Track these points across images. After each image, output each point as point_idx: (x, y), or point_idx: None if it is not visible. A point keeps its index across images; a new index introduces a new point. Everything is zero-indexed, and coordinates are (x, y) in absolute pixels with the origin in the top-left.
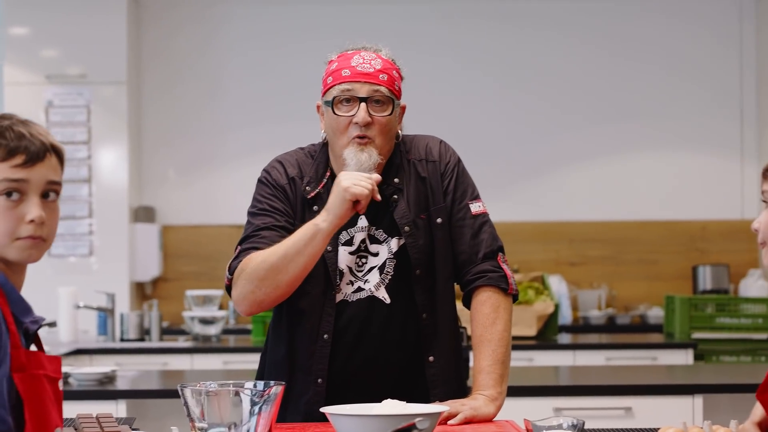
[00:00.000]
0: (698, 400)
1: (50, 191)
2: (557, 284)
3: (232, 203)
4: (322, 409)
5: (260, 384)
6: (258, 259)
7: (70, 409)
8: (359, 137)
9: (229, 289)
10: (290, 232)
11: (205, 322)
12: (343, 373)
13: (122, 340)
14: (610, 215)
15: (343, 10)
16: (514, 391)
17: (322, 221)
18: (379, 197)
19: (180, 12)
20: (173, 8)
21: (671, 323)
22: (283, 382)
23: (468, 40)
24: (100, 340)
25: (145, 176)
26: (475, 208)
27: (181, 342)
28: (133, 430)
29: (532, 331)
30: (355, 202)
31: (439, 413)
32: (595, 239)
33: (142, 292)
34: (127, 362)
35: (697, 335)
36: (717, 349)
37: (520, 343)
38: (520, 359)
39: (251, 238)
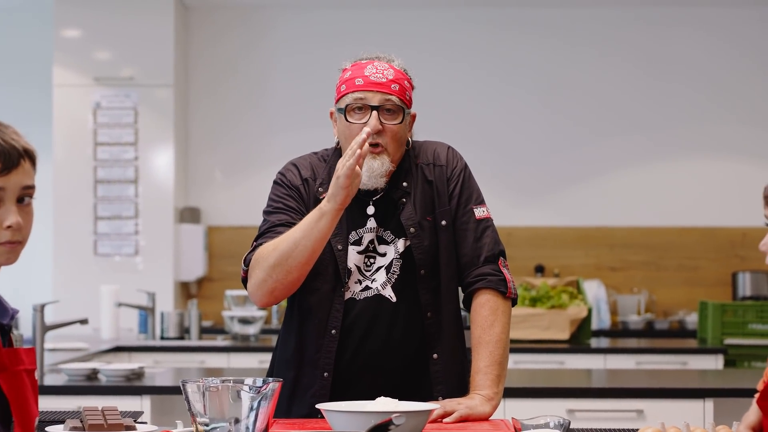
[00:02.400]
0: (709, 404)
1: (25, 196)
2: (596, 289)
3: None
4: (318, 406)
5: (259, 381)
6: (269, 248)
7: (96, 404)
8: (372, 144)
9: (245, 281)
10: None
11: (244, 321)
12: (349, 368)
13: (162, 338)
14: (651, 221)
15: (387, 16)
16: (530, 393)
17: (325, 204)
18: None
19: (226, 16)
20: (219, 12)
21: (705, 329)
22: (281, 379)
23: (511, 50)
24: (141, 338)
25: (191, 177)
26: (479, 212)
27: (219, 341)
28: (139, 423)
29: (565, 335)
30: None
31: (428, 411)
32: (636, 244)
33: (186, 291)
34: (165, 360)
35: (730, 341)
36: (749, 354)
37: (552, 347)
38: (551, 362)
39: (267, 233)
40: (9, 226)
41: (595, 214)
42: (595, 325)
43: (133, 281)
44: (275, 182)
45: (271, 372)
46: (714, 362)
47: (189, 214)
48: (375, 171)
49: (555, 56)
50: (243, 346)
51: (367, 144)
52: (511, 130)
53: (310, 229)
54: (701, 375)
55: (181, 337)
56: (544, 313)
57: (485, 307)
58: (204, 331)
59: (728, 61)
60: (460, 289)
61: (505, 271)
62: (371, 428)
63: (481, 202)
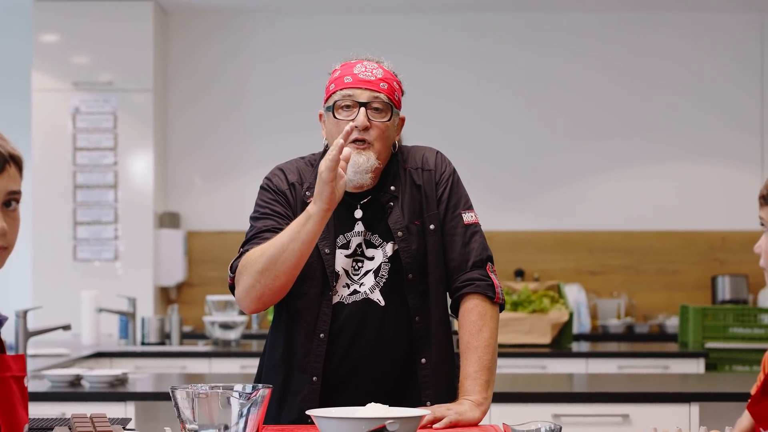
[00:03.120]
0: (695, 408)
1: (11, 200)
2: (576, 293)
3: None
4: (308, 412)
5: (248, 387)
6: (256, 254)
7: (81, 410)
8: (359, 140)
9: (232, 288)
10: None
11: (225, 326)
12: (338, 372)
13: (143, 343)
14: (631, 225)
15: (367, 19)
16: (515, 398)
17: (311, 206)
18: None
19: (205, 21)
20: (198, 17)
21: (685, 332)
22: (270, 386)
23: (492, 53)
24: (122, 343)
25: (170, 182)
26: (467, 217)
27: (200, 346)
28: (127, 430)
29: (546, 339)
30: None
31: (419, 417)
32: (616, 249)
33: (166, 296)
34: (146, 365)
35: (711, 345)
36: (730, 358)
37: (533, 351)
38: (533, 367)
39: (254, 239)
40: None
41: (575, 219)
42: (575, 329)
43: (112, 286)
44: (262, 187)
45: (260, 377)
46: (695, 366)
47: (168, 219)
48: (360, 166)
49: (535, 61)
50: (224, 351)
51: (351, 136)
52: (491, 133)
53: (297, 232)
54: (685, 379)
55: (162, 343)
56: (526, 317)
57: (473, 312)
58: (185, 337)
59: (711, 66)
60: (447, 293)
61: (492, 276)
62: None
63: (469, 207)
